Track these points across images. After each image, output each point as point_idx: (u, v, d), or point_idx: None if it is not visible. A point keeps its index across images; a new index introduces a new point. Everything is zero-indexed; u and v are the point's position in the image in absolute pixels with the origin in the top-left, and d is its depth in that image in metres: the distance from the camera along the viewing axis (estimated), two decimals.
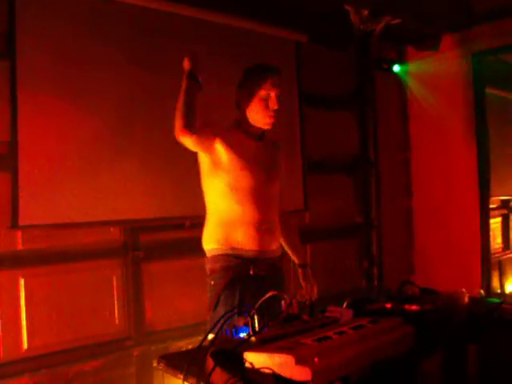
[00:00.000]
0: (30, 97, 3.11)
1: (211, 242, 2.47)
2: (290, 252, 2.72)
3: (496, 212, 6.06)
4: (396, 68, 5.24)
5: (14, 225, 3.07)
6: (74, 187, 3.24)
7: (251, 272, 2.41)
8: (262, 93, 2.41)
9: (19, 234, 3.14)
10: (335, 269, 4.81)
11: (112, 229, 3.50)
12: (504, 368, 1.66)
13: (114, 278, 3.50)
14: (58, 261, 3.26)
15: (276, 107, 2.43)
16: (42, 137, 3.16)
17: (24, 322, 3.12)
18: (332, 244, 4.83)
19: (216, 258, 2.43)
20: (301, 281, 2.66)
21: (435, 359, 1.67)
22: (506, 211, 6.39)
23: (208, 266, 2.48)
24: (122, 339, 3.52)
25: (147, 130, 3.54)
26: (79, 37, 3.30)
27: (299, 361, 1.36)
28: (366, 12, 4.30)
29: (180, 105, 2.34)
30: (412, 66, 5.22)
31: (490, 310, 2.07)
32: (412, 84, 5.24)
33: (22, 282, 3.14)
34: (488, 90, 5.21)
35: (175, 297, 3.70)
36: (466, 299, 2.01)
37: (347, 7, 4.23)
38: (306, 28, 4.40)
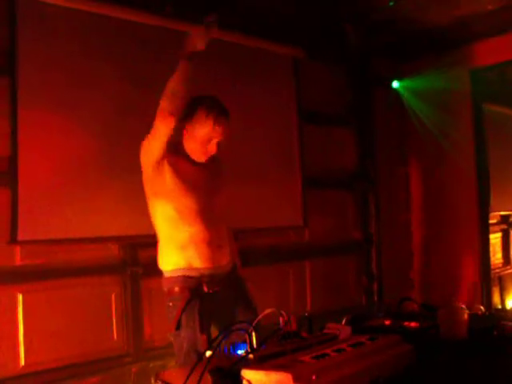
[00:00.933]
0: (30, 113, 3.12)
1: (167, 263, 2.49)
2: None
3: (496, 227, 6.07)
4: (395, 84, 5.27)
5: (13, 240, 3.07)
6: (74, 203, 3.24)
7: (205, 290, 2.43)
8: (205, 137, 2.41)
9: (18, 249, 3.13)
10: (334, 285, 4.79)
11: (111, 245, 3.49)
12: None
13: (113, 294, 3.49)
14: (56, 276, 3.25)
15: (214, 152, 2.45)
16: (42, 153, 3.16)
17: (21, 338, 3.10)
18: (331, 260, 4.82)
19: (173, 279, 2.45)
20: None
21: (435, 377, 1.66)
22: (505, 226, 6.39)
23: (166, 288, 2.49)
24: (121, 356, 3.50)
25: None
26: (80, 54, 3.32)
27: (297, 379, 1.34)
28: (363, 29, 4.34)
29: (175, 86, 2.35)
30: (410, 82, 5.25)
31: (490, 326, 2.05)
32: (410, 100, 5.27)
33: (19, 297, 3.12)
34: (486, 106, 5.23)
35: None
36: (466, 316, 2.00)
37: (345, 25, 4.27)
38: (305, 44, 4.42)
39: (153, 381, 1.76)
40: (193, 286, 2.42)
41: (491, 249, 5.32)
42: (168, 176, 2.40)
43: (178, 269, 2.45)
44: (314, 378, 1.35)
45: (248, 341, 1.64)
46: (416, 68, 5.24)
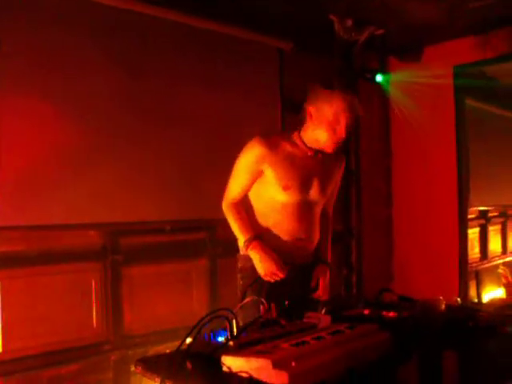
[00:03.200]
0: (11, 99, 3.08)
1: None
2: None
3: (474, 222, 6.14)
4: (379, 78, 5.29)
5: None
6: (55, 189, 3.22)
7: None
8: (333, 116, 2.35)
9: None
10: None
11: (91, 232, 3.47)
12: (479, 375, 1.69)
13: (93, 282, 3.47)
14: (35, 263, 3.22)
15: (343, 137, 2.38)
16: (22, 139, 3.12)
17: (0, 325, 3.08)
18: None
19: (249, 257, 2.47)
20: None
21: (411, 365, 1.69)
22: (483, 221, 6.48)
23: (239, 264, 2.56)
24: (100, 343, 3.49)
25: (129, 135, 3.53)
26: (63, 40, 3.27)
27: (276, 365, 1.36)
28: (350, 22, 4.35)
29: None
30: (394, 76, 5.27)
31: (467, 317, 2.09)
32: (394, 94, 5.30)
33: None
34: (468, 102, 5.28)
35: (154, 301, 3.68)
36: (443, 307, 2.03)
37: (332, 17, 4.28)
38: (291, 36, 4.42)
39: (133, 367, 1.76)
40: None
41: (469, 243, 5.39)
42: (268, 173, 2.42)
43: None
44: (293, 364, 1.37)
45: (228, 328, 1.66)
46: (400, 62, 5.27)
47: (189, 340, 1.64)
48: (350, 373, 1.46)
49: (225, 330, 1.67)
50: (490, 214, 6.62)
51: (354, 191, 5.10)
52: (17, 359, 3.12)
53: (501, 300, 5.91)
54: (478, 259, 6.27)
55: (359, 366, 1.50)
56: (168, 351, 1.78)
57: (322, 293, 2.59)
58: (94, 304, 3.48)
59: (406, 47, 5.10)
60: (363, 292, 5.03)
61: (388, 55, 5.34)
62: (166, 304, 3.69)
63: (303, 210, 2.49)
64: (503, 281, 6.29)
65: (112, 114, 3.47)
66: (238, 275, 2.55)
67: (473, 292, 5.76)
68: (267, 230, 2.47)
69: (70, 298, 3.35)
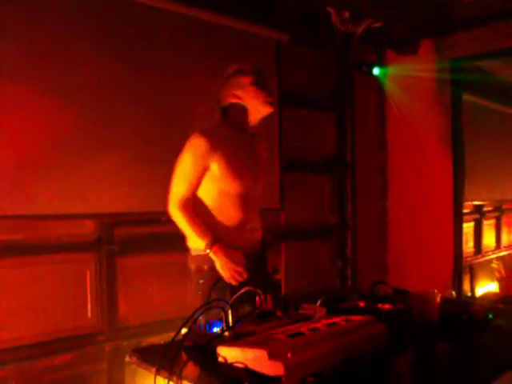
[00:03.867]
0: (3, 88, 3.05)
1: (198, 241, 2.45)
2: None
3: (469, 217, 6.16)
4: (375, 71, 5.29)
5: None
6: (49, 179, 3.20)
7: None
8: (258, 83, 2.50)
9: None
10: (310, 268, 4.84)
11: (87, 222, 3.46)
12: (473, 368, 1.69)
13: (88, 272, 3.46)
14: (30, 253, 3.20)
15: (272, 88, 2.56)
16: (15, 128, 3.09)
17: None
18: (307, 244, 4.85)
19: (203, 257, 2.43)
20: None
21: (406, 357, 1.70)
22: (478, 216, 6.50)
23: (194, 265, 2.50)
24: (94, 334, 3.48)
25: (124, 125, 3.51)
26: (57, 29, 3.24)
27: (272, 355, 1.36)
28: (347, 14, 4.33)
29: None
30: (391, 70, 5.27)
31: (461, 310, 2.10)
32: (391, 87, 5.30)
33: None
34: (464, 97, 5.29)
35: (149, 292, 3.67)
36: (438, 300, 2.04)
37: (329, 9, 4.26)
38: (288, 27, 4.40)
39: (127, 358, 1.76)
40: None
41: (464, 237, 5.41)
42: (217, 167, 2.39)
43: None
44: (289, 355, 1.37)
45: (224, 319, 1.66)
46: (397, 55, 5.26)
47: (184, 330, 1.64)
48: (346, 364, 1.47)
49: (220, 320, 1.67)
50: (485, 209, 6.65)
51: (349, 184, 5.11)
52: (10, 349, 3.11)
53: (494, 294, 5.95)
54: (472, 253, 6.31)
55: (355, 358, 1.50)
56: (163, 342, 1.78)
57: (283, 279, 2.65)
58: (89, 294, 3.47)
59: (404, 40, 5.10)
60: (358, 284, 5.05)
61: (385, 48, 5.33)
62: (161, 295, 3.68)
63: (252, 198, 2.52)
64: (497, 275, 6.33)
65: (107, 104, 3.44)
66: (195, 276, 2.49)
67: (467, 286, 5.79)
68: (222, 226, 2.44)
69: (64, 288, 3.34)
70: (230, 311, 1.67)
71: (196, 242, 2.44)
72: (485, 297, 5.85)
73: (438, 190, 5.08)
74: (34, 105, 3.16)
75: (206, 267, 2.44)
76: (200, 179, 2.42)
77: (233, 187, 2.43)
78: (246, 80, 2.49)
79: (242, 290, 1.75)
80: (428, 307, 1.99)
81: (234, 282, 2.37)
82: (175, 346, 1.60)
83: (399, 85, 5.20)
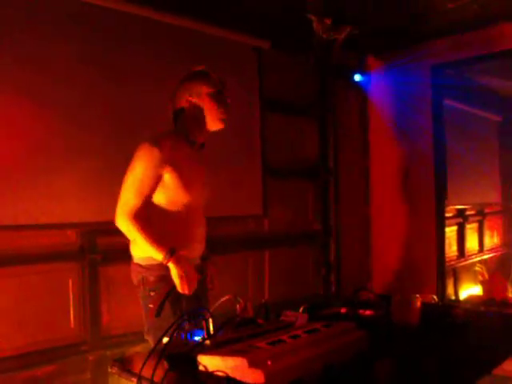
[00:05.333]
0: None
1: (143, 250, 2.39)
2: None
3: (452, 221, 6.21)
4: (357, 77, 5.33)
5: None
6: (31, 189, 3.17)
7: None
8: (215, 91, 2.44)
9: None
10: (293, 275, 4.84)
11: (68, 231, 3.44)
12: (456, 370, 1.71)
13: (70, 282, 3.43)
14: (11, 263, 3.16)
15: (229, 101, 2.46)
16: None
17: None
18: (290, 250, 4.85)
19: (147, 267, 2.38)
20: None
21: (387, 363, 1.70)
22: (461, 220, 6.56)
23: (139, 276, 2.42)
24: (78, 344, 3.45)
25: (105, 132, 3.50)
26: (34, 37, 3.22)
27: (252, 364, 1.37)
28: (328, 21, 4.37)
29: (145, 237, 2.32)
30: (373, 76, 5.31)
31: (442, 314, 2.12)
32: (372, 93, 5.34)
33: None
34: (446, 102, 5.34)
35: (132, 301, 3.63)
36: (418, 304, 2.05)
37: (310, 16, 4.29)
38: (269, 34, 4.42)
39: (109, 368, 1.75)
40: (168, 275, 2.32)
41: (447, 241, 5.45)
42: (169, 177, 2.33)
43: (153, 257, 2.35)
44: (269, 363, 1.37)
45: (205, 327, 1.66)
46: (378, 62, 5.31)
47: (165, 340, 1.64)
48: (327, 371, 1.47)
49: (201, 329, 1.67)
50: (468, 213, 6.70)
51: (332, 190, 5.13)
52: None
53: (478, 297, 6.00)
54: (455, 257, 6.34)
55: (335, 364, 1.51)
56: (145, 351, 1.77)
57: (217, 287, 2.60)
58: (72, 304, 3.44)
59: (385, 47, 5.14)
60: (342, 290, 5.06)
61: (366, 54, 5.37)
62: None
63: (198, 210, 2.48)
64: (480, 278, 6.39)
65: (85, 114, 3.42)
66: (143, 288, 2.40)
67: (450, 289, 5.83)
68: (172, 237, 2.35)
69: (46, 298, 3.31)
70: (211, 320, 1.67)
71: (149, 252, 2.34)
72: (469, 300, 5.89)
73: (420, 195, 5.13)
74: (11, 113, 3.14)
75: (152, 278, 2.36)
76: (153, 189, 2.33)
77: (184, 197, 2.36)
78: (204, 89, 2.42)
79: (223, 299, 1.75)
80: (408, 312, 2.00)
81: (188, 293, 2.30)
82: (157, 355, 1.60)
83: (380, 91, 5.25)
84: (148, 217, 2.34)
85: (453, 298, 5.84)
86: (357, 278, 5.16)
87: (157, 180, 2.32)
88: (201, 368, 1.48)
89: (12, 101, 3.14)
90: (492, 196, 7.29)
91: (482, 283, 6.29)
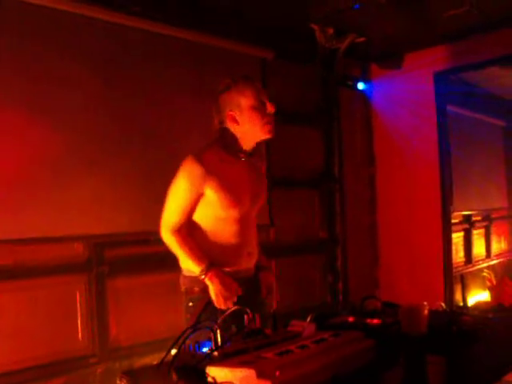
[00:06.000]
0: None
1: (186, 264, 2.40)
2: None
3: (458, 227, 6.19)
4: (360, 85, 5.34)
5: None
6: (38, 202, 3.19)
7: None
8: (257, 101, 2.34)
9: None
10: (300, 284, 4.83)
11: (76, 244, 3.45)
12: (464, 379, 1.70)
13: (78, 294, 3.44)
14: (19, 277, 3.18)
15: (273, 112, 2.35)
16: (4, 152, 3.10)
17: None
18: (297, 259, 4.86)
19: (194, 278, 2.36)
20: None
21: (396, 372, 1.70)
22: (467, 226, 6.53)
23: (184, 287, 2.44)
24: (86, 356, 3.45)
25: (113, 145, 3.53)
26: (47, 53, 3.27)
27: (260, 375, 1.36)
28: (331, 30, 4.39)
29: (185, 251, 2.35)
30: (376, 84, 5.33)
31: (450, 322, 2.11)
32: (376, 101, 5.35)
33: None
34: (450, 108, 5.35)
35: (140, 312, 3.66)
36: (426, 312, 2.04)
37: (313, 25, 4.32)
38: (272, 44, 4.44)
39: (118, 380, 1.75)
40: None
41: (454, 248, 5.43)
42: (212, 193, 2.30)
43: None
44: (277, 373, 1.37)
45: (213, 338, 1.66)
46: (381, 70, 5.32)
47: (174, 351, 1.64)
48: (335, 381, 1.47)
49: (209, 340, 1.67)
50: (474, 219, 6.68)
51: (337, 199, 5.13)
52: (2, 374, 3.07)
53: (486, 303, 5.96)
54: (462, 263, 6.32)
55: (344, 374, 1.51)
56: (156, 362, 1.77)
57: (275, 299, 2.59)
58: (80, 316, 3.45)
59: (387, 54, 5.16)
60: (349, 299, 5.05)
61: (369, 63, 5.39)
62: (152, 315, 3.67)
63: (248, 221, 2.44)
64: (488, 284, 6.35)
65: (95, 126, 3.46)
66: (186, 297, 2.42)
67: (458, 296, 5.80)
68: (219, 252, 2.36)
69: (54, 311, 3.32)
70: (218, 331, 1.67)
71: (190, 266, 2.36)
72: (477, 306, 5.86)
73: (426, 202, 5.12)
74: (19, 127, 3.17)
75: (197, 289, 2.37)
76: (194, 205, 2.33)
77: (229, 213, 2.34)
78: (243, 101, 2.33)
79: (230, 310, 1.75)
80: (416, 320, 1.99)
81: (223, 308, 2.28)
82: (165, 367, 1.60)
83: (384, 98, 5.26)
84: (193, 232, 2.36)
85: (461, 304, 5.81)
86: (364, 286, 5.15)
87: (198, 196, 2.31)
88: (209, 380, 1.48)
89: (20, 116, 3.17)
90: (498, 201, 7.27)
91: (490, 289, 6.25)
